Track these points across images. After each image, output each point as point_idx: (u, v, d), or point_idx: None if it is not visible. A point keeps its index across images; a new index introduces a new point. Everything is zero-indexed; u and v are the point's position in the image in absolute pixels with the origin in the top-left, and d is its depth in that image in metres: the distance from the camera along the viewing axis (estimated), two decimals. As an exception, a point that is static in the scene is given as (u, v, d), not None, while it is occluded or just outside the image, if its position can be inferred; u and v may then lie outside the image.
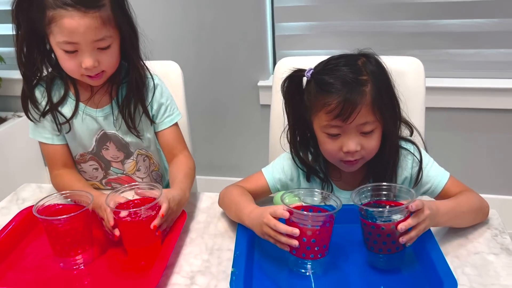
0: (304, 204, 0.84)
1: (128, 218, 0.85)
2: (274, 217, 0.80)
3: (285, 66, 1.22)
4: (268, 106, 1.32)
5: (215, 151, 2.20)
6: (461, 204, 0.90)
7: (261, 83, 2.00)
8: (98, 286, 0.84)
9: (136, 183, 0.95)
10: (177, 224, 0.94)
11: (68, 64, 0.98)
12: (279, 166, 1.02)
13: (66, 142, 1.12)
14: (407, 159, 0.98)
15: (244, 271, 0.78)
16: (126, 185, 0.91)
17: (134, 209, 0.85)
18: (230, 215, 0.97)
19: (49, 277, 0.86)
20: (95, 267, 0.88)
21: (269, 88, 2.04)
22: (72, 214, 0.83)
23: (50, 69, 1.06)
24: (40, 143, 1.12)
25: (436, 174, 0.97)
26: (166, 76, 1.31)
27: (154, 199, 0.87)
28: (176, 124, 1.15)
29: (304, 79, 0.95)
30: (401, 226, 0.77)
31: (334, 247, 0.83)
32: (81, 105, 1.08)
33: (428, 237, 0.84)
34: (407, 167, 0.98)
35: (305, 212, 0.79)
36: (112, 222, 0.87)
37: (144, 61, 1.08)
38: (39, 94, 1.07)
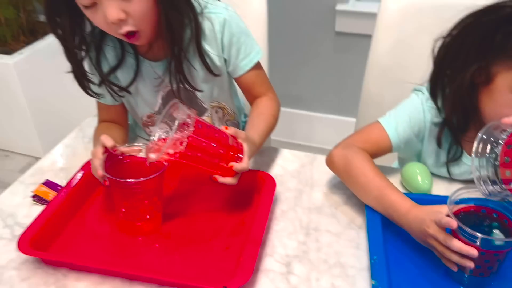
0: (475, 205, 0.67)
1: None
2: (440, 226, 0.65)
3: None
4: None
5: (278, 79, 2.00)
6: None
7: (339, 7, 1.73)
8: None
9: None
10: (266, 191, 0.81)
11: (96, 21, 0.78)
12: (405, 118, 0.83)
13: (121, 102, 0.97)
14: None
15: (387, 283, 0.64)
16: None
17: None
18: (361, 195, 0.79)
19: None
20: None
21: (348, 13, 1.77)
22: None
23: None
24: None
25: None
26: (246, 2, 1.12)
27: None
28: (256, 65, 0.94)
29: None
30: None
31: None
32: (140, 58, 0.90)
33: None
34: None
35: (481, 235, 0.61)
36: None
37: None
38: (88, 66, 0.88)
